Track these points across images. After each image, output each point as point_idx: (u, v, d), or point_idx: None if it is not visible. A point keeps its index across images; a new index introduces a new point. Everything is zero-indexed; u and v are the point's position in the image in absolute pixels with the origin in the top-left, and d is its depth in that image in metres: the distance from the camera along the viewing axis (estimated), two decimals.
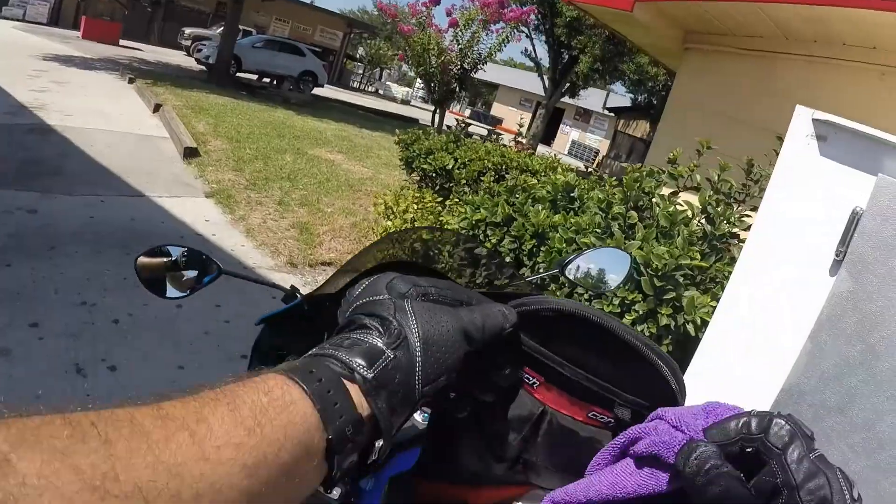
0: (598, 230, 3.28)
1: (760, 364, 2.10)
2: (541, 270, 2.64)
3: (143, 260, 1.58)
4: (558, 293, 3.08)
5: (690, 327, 2.64)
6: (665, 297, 2.74)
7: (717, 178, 3.55)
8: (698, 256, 2.89)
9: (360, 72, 51.69)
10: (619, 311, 2.81)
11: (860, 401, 1.84)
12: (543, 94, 32.62)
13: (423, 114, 28.49)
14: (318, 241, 6.99)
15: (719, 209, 3.28)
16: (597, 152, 41.05)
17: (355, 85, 48.49)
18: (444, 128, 8.86)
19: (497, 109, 50.78)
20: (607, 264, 2.01)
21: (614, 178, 4.13)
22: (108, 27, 29.52)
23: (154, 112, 12.87)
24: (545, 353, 0.92)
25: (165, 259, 1.60)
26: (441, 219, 5.89)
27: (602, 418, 0.93)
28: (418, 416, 1.44)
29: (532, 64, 33.32)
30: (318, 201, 8.46)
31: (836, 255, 1.95)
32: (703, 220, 3.39)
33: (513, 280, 2.09)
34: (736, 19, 6.10)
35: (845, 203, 1.94)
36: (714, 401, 0.76)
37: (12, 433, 0.40)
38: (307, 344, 1.68)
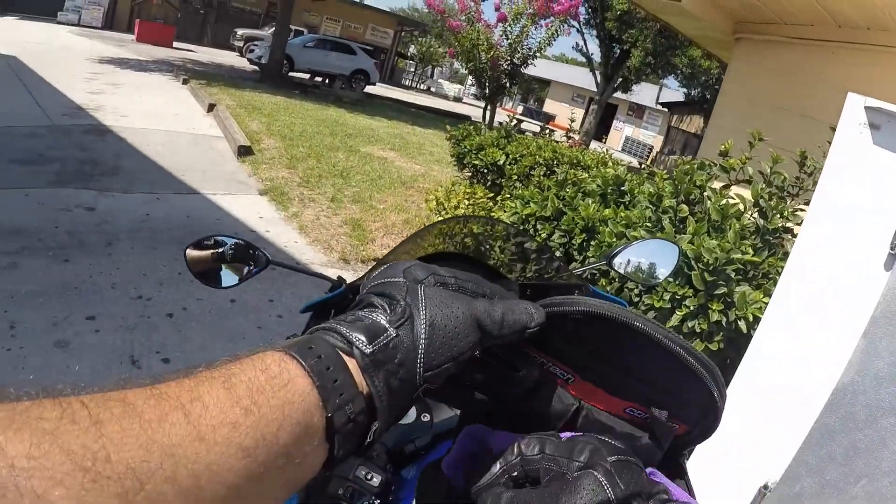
0: (648, 224, 3.25)
1: (813, 363, 2.06)
2: (593, 261, 2.63)
3: (192, 252, 1.61)
4: (608, 287, 3.06)
5: (742, 324, 2.60)
6: (716, 293, 2.70)
7: (769, 170, 3.49)
8: (750, 251, 2.85)
9: (412, 69, 51.73)
10: (669, 306, 2.77)
11: None
12: (595, 90, 32.38)
13: (475, 111, 28.48)
14: (371, 238, 7.04)
15: (772, 203, 3.22)
16: (651, 148, 40.61)
17: (407, 83, 48.54)
18: (496, 124, 8.83)
19: (549, 106, 50.38)
20: (656, 256, 1.99)
21: (665, 171, 4.07)
22: (162, 30, 29.94)
23: (208, 112, 13.08)
24: (577, 352, 0.90)
25: (214, 250, 1.63)
26: (492, 214, 5.89)
27: (639, 414, 0.90)
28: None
29: (583, 59, 33.11)
30: (371, 198, 8.51)
31: (892, 249, 1.91)
32: (755, 214, 3.33)
33: (560, 273, 2.09)
34: (786, 7, 5.98)
35: None
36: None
37: (1, 416, 0.40)
38: None
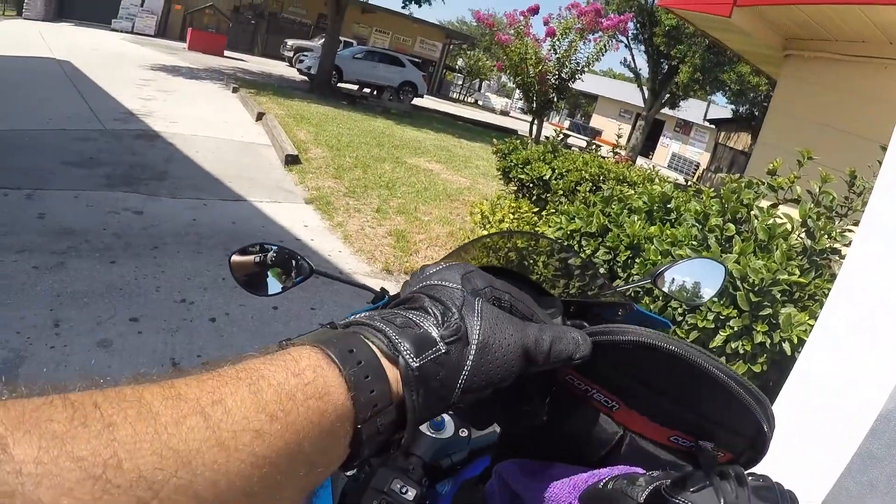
0: (694, 242, 3.23)
1: (858, 387, 2.03)
2: (638, 279, 2.62)
3: (236, 258, 1.64)
4: (652, 306, 3.04)
5: (787, 346, 2.57)
6: (761, 314, 2.67)
7: (818, 190, 3.45)
8: (797, 272, 2.81)
9: (460, 82, 51.88)
10: (713, 326, 2.75)
11: None
12: (643, 106, 32.24)
13: (522, 125, 28.45)
14: (415, 249, 7.06)
15: (820, 223, 3.19)
16: (697, 165, 40.26)
17: (455, 96, 48.72)
18: (543, 138, 8.84)
19: (596, 121, 50.23)
20: (701, 276, 1.98)
21: (712, 189, 4.04)
22: (214, 39, 30.46)
23: (257, 120, 13.26)
24: (623, 379, 0.89)
25: (258, 257, 1.66)
26: (537, 228, 5.88)
27: (684, 443, 0.88)
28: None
29: (631, 74, 32.99)
30: (416, 210, 8.55)
31: None
32: (802, 234, 3.30)
33: (604, 290, 2.08)
34: (837, 24, 5.91)
35: None
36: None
37: (11, 416, 0.38)
38: None
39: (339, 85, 24.41)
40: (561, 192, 6.19)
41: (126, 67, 17.43)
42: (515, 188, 7.23)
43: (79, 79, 13.78)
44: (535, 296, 1.87)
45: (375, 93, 25.64)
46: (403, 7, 25.06)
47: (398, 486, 1.14)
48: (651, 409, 0.89)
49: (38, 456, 0.37)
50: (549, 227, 4.06)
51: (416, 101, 27.52)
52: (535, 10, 11.75)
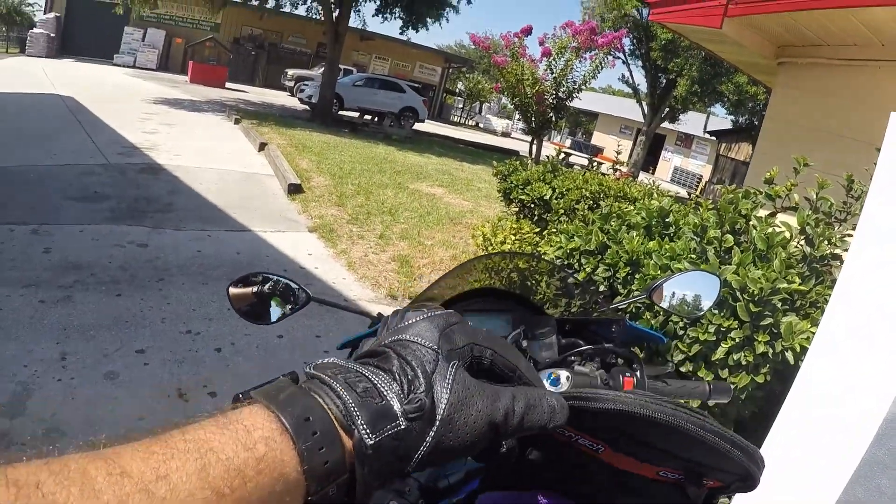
0: (692, 256, 3.23)
1: (862, 393, 2.02)
2: (636, 295, 2.62)
3: (234, 289, 1.66)
4: (652, 321, 3.04)
5: (789, 355, 2.55)
6: (762, 324, 2.67)
7: (815, 196, 3.45)
8: (797, 280, 2.80)
9: (460, 106, 52.04)
10: (714, 338, 2.74)
11: None
12: (643, 121, 32.33)
13: (524, 145, 28.53)
14: (419, 274, 7.08)
15: (819, 229, 3.18)
16: (700, 178, 40.25)
17: (455, 119, 48.85)
18: (544, 158, 8.86)
19: (597, 138, 50.29)
20: (698, 288, 1.99)
21: (710, 201, 4.05)
22: (215, 71, 30.74)
23: (259, 151, 13.38)
24: (608, 429, 0.87)
25: (256, 287, 1.68)
26: (538, 249, 5.88)
27: (672, 475, 0.89)
28: None
29: (630, 90, 33.10)
30: (419, 234, 8.57)
31: None
32: (802, 242, 3.29)
33: (599, 307, 2.08)
34: (828, 28, 5.91)
35: None
36: None
37: None
38: None
39: (340, 113, 24.59)
40: (562, 211, 6.19)
41: (129, 101, 17.65)
42: (517, 209, 7.24)
43: (82, 114, 13.98)
44: (530, 315, 1.88)
45: (377, 119, 25.75)
46: (401, 33, 25.25)
47: None
48: (638, 453, 0.88)
49: None
50: (551, 246, 4.07)
51: (418, 126, 27.65)
52: (527, 31, 11.81)
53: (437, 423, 0.62)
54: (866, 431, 1.91)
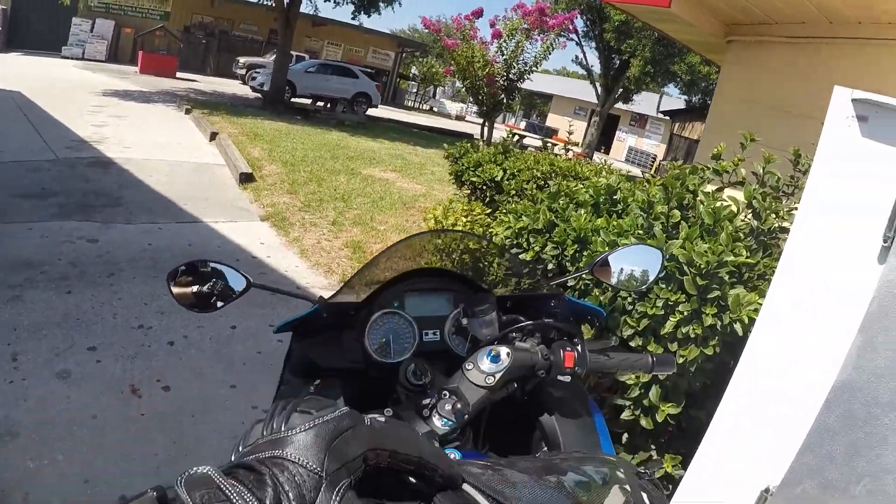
0: (640, 231, 3.22)
1: (809, 362, 2.03)
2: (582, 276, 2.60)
3: (174, 279, 1.62)
4: (601, 297, 3.03)
5: (738, 326, 2.56)
6: (709, 297, 2.67)
7: (762, 171, 3.46)
8: (744, 253, 2.81)
9: (414, 90, 51.98)
10: (662, 312, 2.74)
11: None
12: (597, 102, 32.58)
13: (477, 128, 28.61)
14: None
15: (766, 203, 3.19)
16: (654, 157, 40.67)
17: (409, 104, 48.79)
18: (497, 139, 8.83)
19: (552, 120, 50.51)
20: (640, 262, 1.99)
21: (658, 178, 4.05)
22: (165, 61, 30.36)
23: (210, 140, 13.26)
24: None
25: (196, 275, 1.64)
26: (490, 230, 5.87)
27: None
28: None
29: (584, 72, 33.32)
30: (372, 220, 8.55)
31: (885, 242, 1.88)
32: (749, 216, 3.30)
33: (540, 284, 2.06)
34: (777, 6, 5.96)
35: (891, 186, 1.87)
36: None
37: None
38: (334, 353, 1.70)
39: (292, 100, 24.42)
40: (513, 192, 6.17)
41: (78, 94, 17.30)
42: (469, 192, 7.21)
43: (29, 108, 13.67)
44: (470, 293, 1.86)
45: (329, 106, 25.62)
46: (353, 18, 25.03)
47: None
48: None
49: None
50: (500, 226, 4.04)
51: (371, 112, 27.58)
52: (478, 14, 11.78)
53: None
54: (814, 400, 1.92)
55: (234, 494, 0.56)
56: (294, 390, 1.63)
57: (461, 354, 1.72)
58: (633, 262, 1.96)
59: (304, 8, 23.26)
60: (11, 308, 4.83)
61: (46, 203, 7.48)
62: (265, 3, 25.04)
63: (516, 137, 8.51)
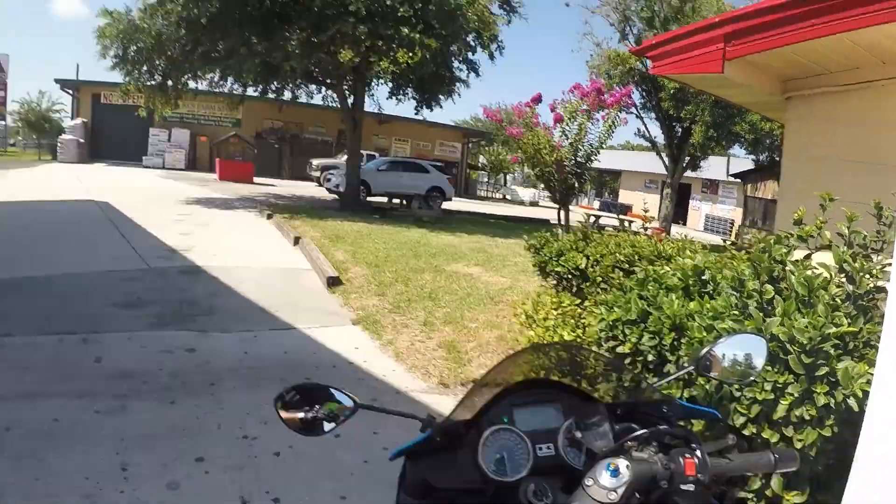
0: (735, 312, 3.18)
1: None
2: (684, 365, 2.61)
3: (282, 403, 1.70)
4: (707, 386, 2.99)
5: (852, 402, 2.48)
6: (818, 374, 2.61)
7: (846, 230, 3.40)
8: (845, 321, 2.75)
9: (485, 179, 52.44)
10: (772, 396, 2.66)
11: None
12: (666, 173, 32.37)
13: (553, 212, 28.63)
14: (467, 359, 7.06)
15: (857, 264, 3.11)
16: (732, 222, 40.05)
17: (482, 193, 49.23)
18: (574, 224, 8.80)
19: (624, 196, 50.32)
20: (744, 350, 1.99)
21: (742, 250, 4.02)
22: (242, 167, 31.79)
23: (294, 245, 13.67)
24: None
25: (302, 396, 1.71)
26: (582, 321, 5.85)
27: None
28: None
29: (648, 143, 33.26)
30: (462, 317, 8.57)
31: None
32: (842, 280, 3.22)
33: (647, 388, 2.08)
34: (827, 55, 5.91)
35: None
36: None
37: None
38: (449, 474, 1.75)
39: (368, 199, 25.07)
40: (599, 279, 6.13)
41: (162, 203, 18.32)
42: (555, 282, 7.20)
43: (118, 219, 14.52)
44: (580, 403, 1.90)
45: (405, 202, 25.97)
46: (416, 112, 25.49)
47: None
48: None
49: None
50: (593, 318, 4.04)
51: (446, 205, 27.81)
52: (537, 100, 11.87)
53: None
54: None
55: None
56: None
57: (577, 468, 1.68)
58: (737, 350, 1.97)
59: (368, 106, 24.04)
60: (118, 418, 4.95)
61: (143, 312, 7.75)
62: (331, 104, 25.73)
63: (592, 219, 8.53)
